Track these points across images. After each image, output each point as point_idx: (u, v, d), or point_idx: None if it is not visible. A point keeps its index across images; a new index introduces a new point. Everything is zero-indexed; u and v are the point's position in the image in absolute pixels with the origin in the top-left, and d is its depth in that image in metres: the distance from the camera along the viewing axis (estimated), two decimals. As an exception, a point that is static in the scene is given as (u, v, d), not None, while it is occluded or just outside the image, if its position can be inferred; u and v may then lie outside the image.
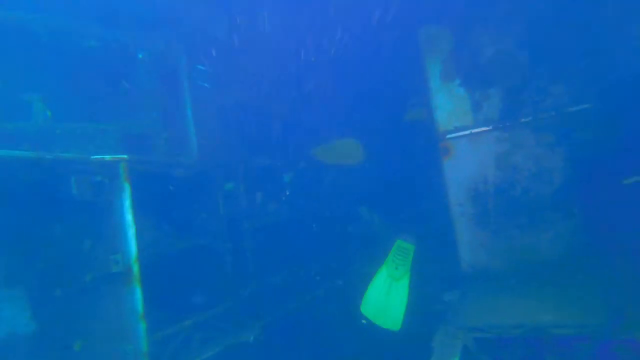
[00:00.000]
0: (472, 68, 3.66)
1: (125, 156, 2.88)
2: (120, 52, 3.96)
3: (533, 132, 3.33)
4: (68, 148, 3.34)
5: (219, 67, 3.91)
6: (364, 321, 3.52)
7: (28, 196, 3.01)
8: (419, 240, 3.76)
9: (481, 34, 3.54)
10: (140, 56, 4.07)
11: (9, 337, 2.98)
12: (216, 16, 4.01)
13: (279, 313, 3.59)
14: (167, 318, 2.89)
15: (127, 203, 2.81)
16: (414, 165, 4.05)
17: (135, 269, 2.72)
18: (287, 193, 4.21)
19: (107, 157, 2.85)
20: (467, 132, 3.55)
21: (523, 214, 3.27)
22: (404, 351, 3.08)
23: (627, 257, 2.70)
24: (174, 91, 3.72)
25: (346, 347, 3.62)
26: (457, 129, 3.60)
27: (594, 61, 3.07)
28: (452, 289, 3.02)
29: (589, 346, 2.10)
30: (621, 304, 2.35)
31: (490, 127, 3.48)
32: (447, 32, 3.72)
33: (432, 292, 3.18)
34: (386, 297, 3.59)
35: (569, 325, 2.20)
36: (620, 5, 2.95)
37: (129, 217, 2.80)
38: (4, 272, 3.12)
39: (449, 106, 3.67)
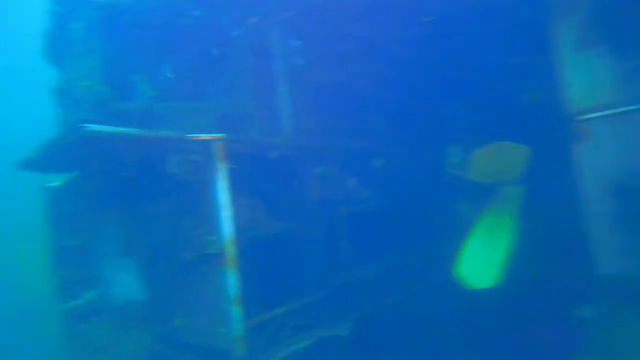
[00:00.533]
0: (619, 31, 2.95)
1: (221, 135, 2.82)
2: (216, 29, 3.93)
3: None
4: (170, 127, 3.40)
5: (315, 42, 3.67)
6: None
7: (135, 172, 3.14)
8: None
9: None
10: (234, 34, 4.01)
11: (128, 302, 3.20)
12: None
13: (376, 307, 3.35)
14: (260, 304, 2.82)
15: (223, 184, 2.76)
16: (539, 152, 3.45)
17: (230, 251, 2.67)
18: (384, 179, 3.90)
19: (203, 136, 2.81)
20: (610, 111, 2.89)
21: (690, 218, 2.56)
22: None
23: None
24: (268, 69, 3.59)
25: (450, 350, 3.27)
26: (596, 109, 2.94)
27: None
28: (587, 304, 2.51)
29: None
30: None
31: (643, 106, 2.77)
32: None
33: (561, 305, 2.68)
34: (488, 241, 3.33)
35: None
36: None
37: (224, 198, 2.74)
38: (121, 241, 3.34)
39: (586, 80, 3.01)
